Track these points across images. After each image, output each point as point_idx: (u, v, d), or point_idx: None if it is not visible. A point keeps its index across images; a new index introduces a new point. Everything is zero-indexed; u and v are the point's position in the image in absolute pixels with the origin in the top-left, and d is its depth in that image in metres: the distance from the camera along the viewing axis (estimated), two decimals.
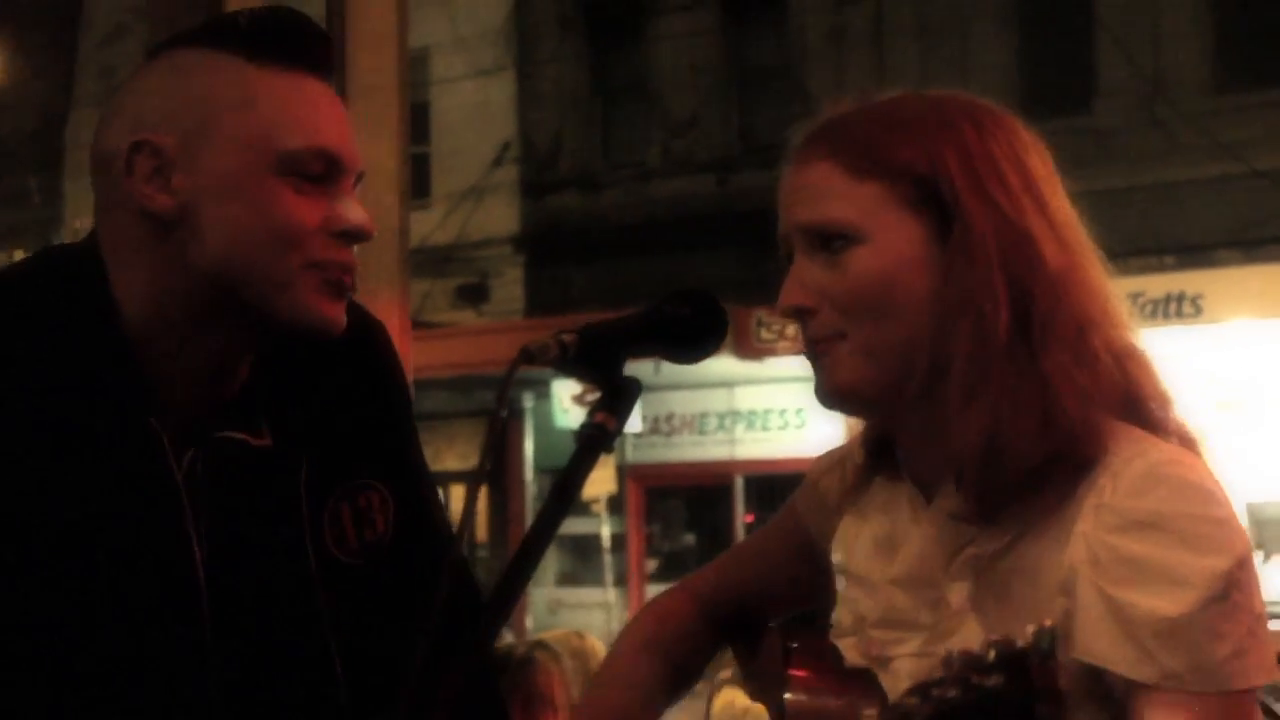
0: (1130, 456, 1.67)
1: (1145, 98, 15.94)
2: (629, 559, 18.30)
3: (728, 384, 16.93)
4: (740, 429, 17.90)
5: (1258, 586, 1.63)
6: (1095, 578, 1.63)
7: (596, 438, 1.68)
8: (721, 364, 16.12)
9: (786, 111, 18.15)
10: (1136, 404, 1.74)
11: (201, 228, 1.80)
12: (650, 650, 2.11)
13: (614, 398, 1.71)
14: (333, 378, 1.94)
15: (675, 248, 17.29)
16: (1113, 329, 1.75)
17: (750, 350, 15.60)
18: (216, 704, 1.85)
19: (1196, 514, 1.61)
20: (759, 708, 2.07)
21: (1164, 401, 1.76)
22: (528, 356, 1.65)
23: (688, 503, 19.10)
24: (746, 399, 17.20)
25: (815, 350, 1.81)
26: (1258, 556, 14.63)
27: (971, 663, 1.27)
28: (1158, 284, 14.14)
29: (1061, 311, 1.72)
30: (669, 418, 18.18)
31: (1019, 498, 1.70)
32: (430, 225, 19.15)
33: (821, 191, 1.80)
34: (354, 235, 1.85)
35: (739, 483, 18.23)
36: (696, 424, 18.21)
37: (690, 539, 18.97)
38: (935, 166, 1.76)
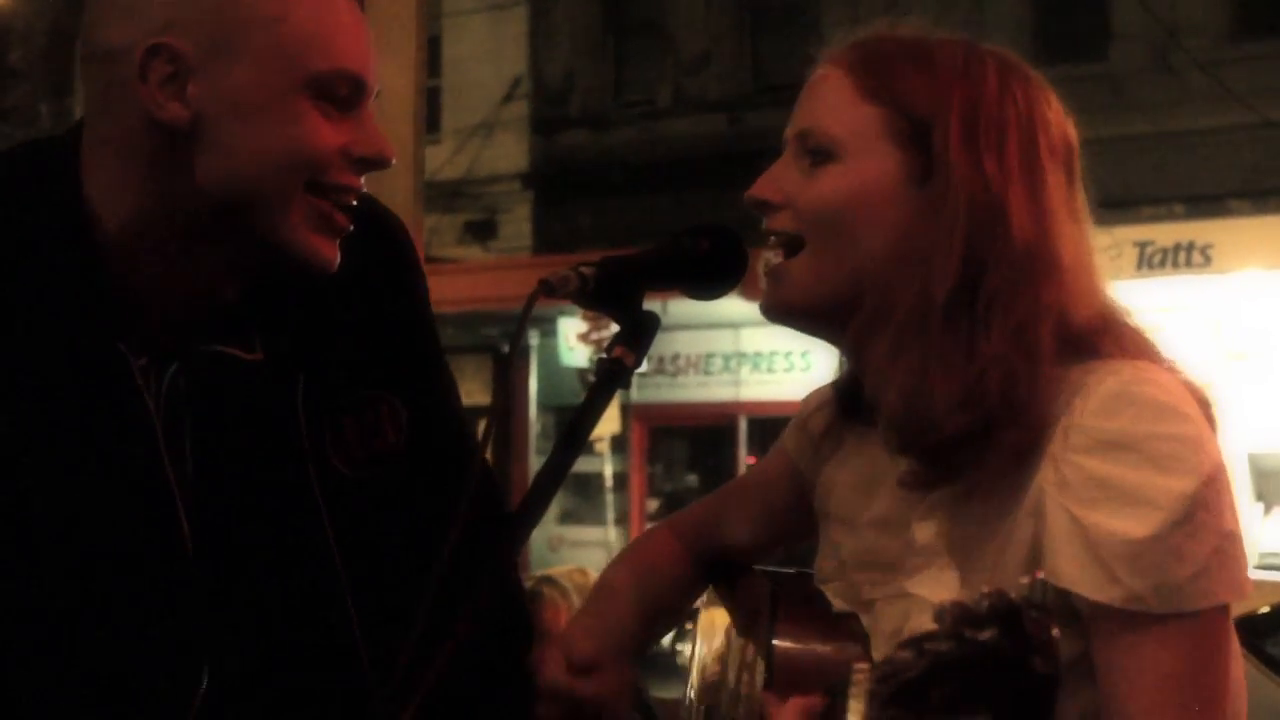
0: (1102, 376, 1.66)
1: (1160, 45, 15.88)
2: (631, 498, 18.38)
3: (733, 325, 16.96)
4: (745, 370, 17.89)
5: (1229, 503, 1.62)
6: (1063, 499, 1.63)
7: (615, 372, 1.68)
8: (728, 305, 16.50)
9: (799, 51, 17.93)
10: (1101, 354, 1.71)
11: (214, 142, 1.73)
12: (636, 583, 2.10)
13: (632, 332, 1.71)
14: (339, 280, 1.84)
15: (685, 187, 17.23)
16: (1078, 313, 1.72)
17: (757, 292, 15.94)
18: (210, 620, 1.81)
19: (1165, 433, 1.61)
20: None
21: (1140, 353, 1.72)
22: (547, 288, 1.64)
23: (691, 443, 19.17)
24: (752, 341, 17.17)
25: (768, 257, 1.82)
26: (1258, 509, 14.73)
27: (964, 616, 1.26)
28: (1167, 233, 14.14)
29: (1012, 293, 1.70)
30: (674, 358, 18.19)
31: (965, 456, 1.70)
32: (439, 160, 19.12)
33: (824, 101, 1.81)
34: (374, 162, 1.81)
35: (742, 424, 18.25)
36: (702, 364, 18.19)
37: (693, 479, 18.95)
38: (936, 109, 1.75)
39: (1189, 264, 14.15)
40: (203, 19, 1.72)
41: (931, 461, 1.72)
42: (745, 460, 18.11)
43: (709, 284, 1.80)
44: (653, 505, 18.50)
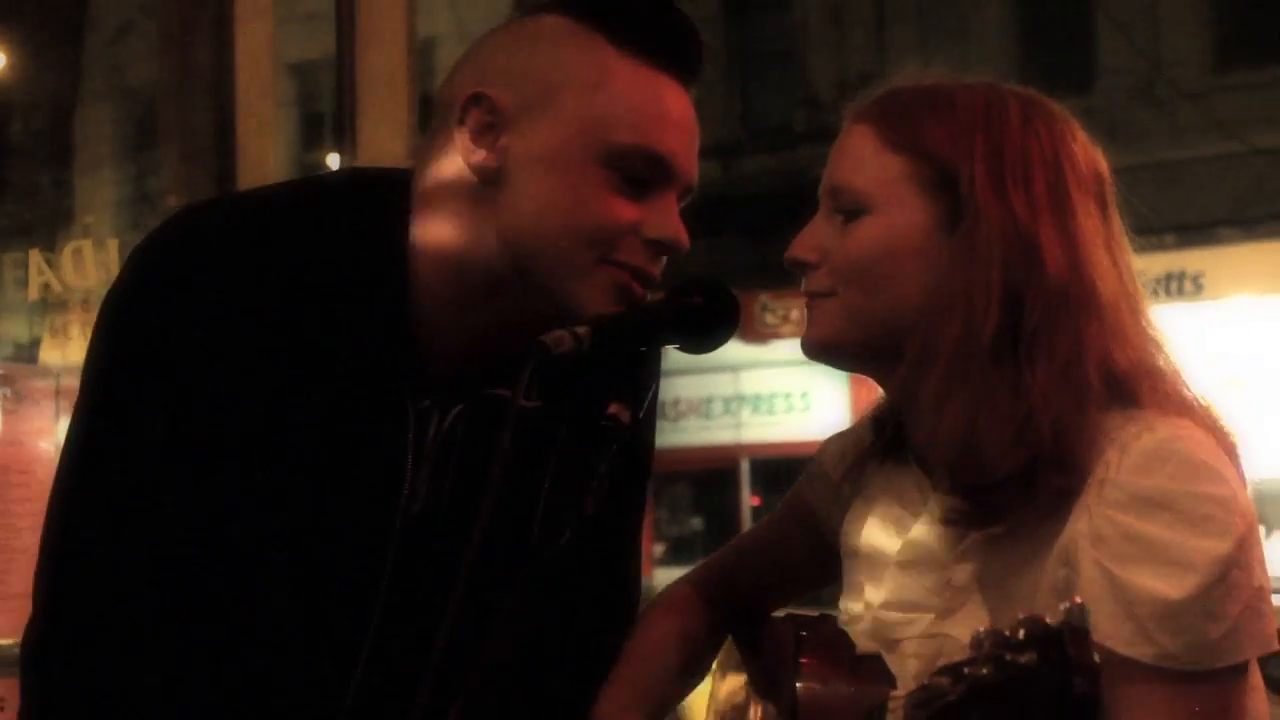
0: (1139, 431, 1.65)
1: (1145, 78, 15.96)
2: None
3: (733, 368, 17.00)
4: (746, 413, 17.94)
5: (1260, 558, 1.63)
6: (1097, 554, 1.62)
7: (612, 429, 1.72)
8: (727, 348, 16.63)
9: (789, 97, 18.19)
10: (1140, 405, 1.70)
11: (514, 195, 1.75)
12: (665, 648, 2.09)
13: (628, 389, 1.76)
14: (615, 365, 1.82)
15: None
16: (1117, 350, 1.72)
17: (755, 334, 15.61)
18: (380, 638, 1.82)
19: (1201, 493, 1.60)
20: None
21: (1179, 408, 1.71)
22: (542, 349, 1.67)
23: (694, 486, 19.03)
24: (751, 383, 17.25)
25: (809, 303, 1.82)
26: (1260, 531, 14.79)
27: (1002, 641, 1.25)
28: (1158, 263, 14.10)
29: (1054, 329, 1.70)
30: (675, 403, 18.14)
31: (1011, 496, 1.69)
32: None
33: (850, 156, 1.82)
34: (666, 246, 1.80)
35: (744, 466, 18.26)
36: (702, 408, 18.20)
37: (697, 523, 18.98)
38: (960, 155, 1.75)
39: (1181, 293, 14.26)
40: (525, 74, 1.76)
41: (981, 501, 1.71)
42: (749, 501, 18.21)
43: (703, 337, 1.81)
44: (659, 550, 18.39)
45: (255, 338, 1.75)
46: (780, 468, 16.76)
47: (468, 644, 1.71)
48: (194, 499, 1.74)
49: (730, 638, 2.16)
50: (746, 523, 18.11)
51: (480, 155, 1.76)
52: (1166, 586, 1.58)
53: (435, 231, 1.80)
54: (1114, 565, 1.61)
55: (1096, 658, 1.24)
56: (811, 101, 17.37)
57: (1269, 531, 14.61)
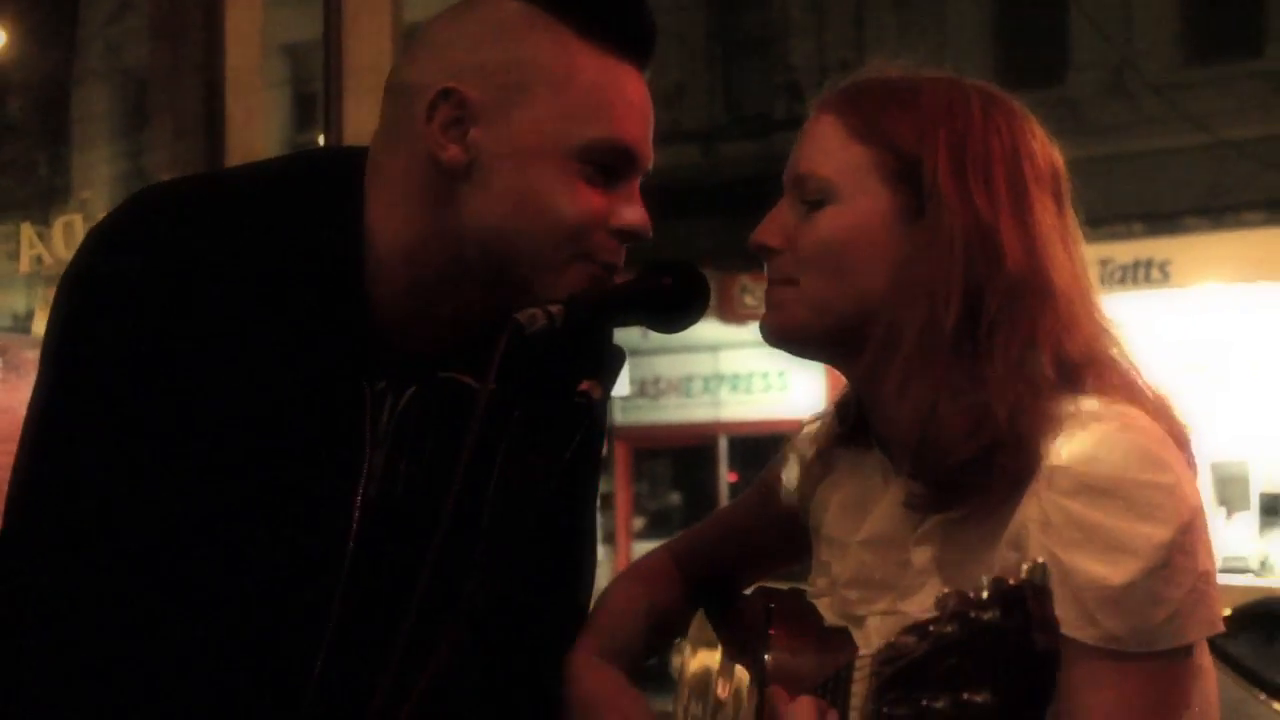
0: (1086, 420, 1.67)
1: (1116, 70, 15.98)
2: (616, 517, 18.24)
3: (712, 348, 17.04)
4: (725, 391, 17.99)
5: (1205, 543, 1.64)
6: (1045, 539, 1.64)
7: (584, 406, 1.75)
8: (706, 329, 16.32)
9: (769, 82, 18.15)
10: (1089, 395, 1.71)
11: (485, 189, 1.74)
12: (634, 608, 2.11)
13: (600, 367, 1.78)
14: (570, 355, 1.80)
15: (662, 215, 17.14)
16: (1069, 341, 1.73)
17: (734, 315, 15.52)
18: (342, 620, 1.80)
19: (1146, 480, 1.62)
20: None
21: (1128, 394, 1.72)
22: (517, 327, 1.68)
23: (674, 462, 19.16)
24: (730, 362, 17.30)
25: (770, 290, 1.84)
26: (1220, 514, 14.95)
27: (966, 600, 1.25)
28: (1126, 250, 14.35)
29: (1011, 319, 1.71)
30: (656, 381, 18.24)
31: (969, 480, 1.70)
32: None
33: (816, 145, 1.82)
34: (633, 235, 1.80)
35: (723, 443, 18.33)
36: (682, 387, 18.29)
37: (676, 498, 19.04)
38: (923, 145, 1.76)
39: (1148, 280, 14.45)
40: (494, 70, 1.75)
41: (940, 486, 1.73)
42: (727, 477, 18.27)
43: (672, 318, 1.82)
44: (639, 523, 18.55)
45: (209, 320, 1.73)
46: (757, 445, 16.88)
47: (432, 623, 1.69)
48: (149, 480, 1.72)
49: (701, 612, 2.18)
50: (724, 498, 18.15)
51: (451, 151, 1.75)
52: (1109, 571, 1.60)
53: (393, 217, 1.79)
54: (1060, 550, 1.62)
55: (1056, 612, 1.24)
56: (791, 89, 17.34)
57: (1230, 513, 14.88)
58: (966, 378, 1.71)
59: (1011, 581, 1.24)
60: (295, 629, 1.79)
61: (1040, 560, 1.26)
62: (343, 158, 1.86)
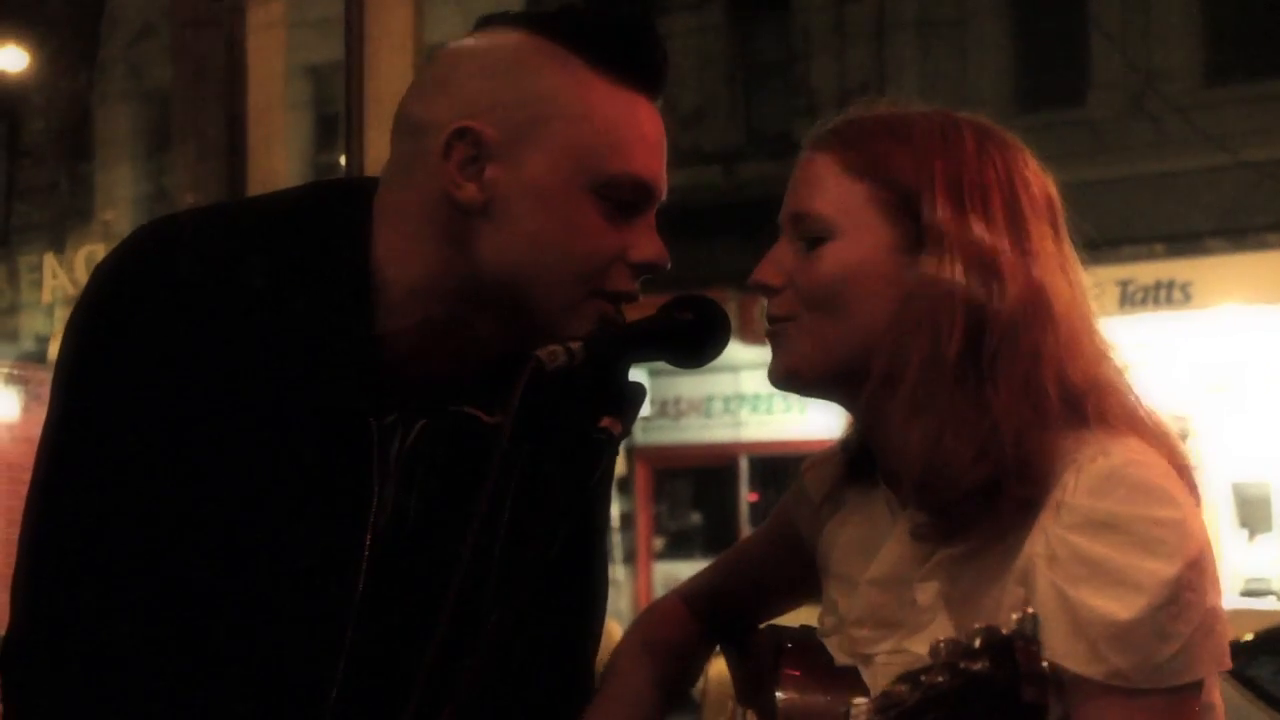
0: (1094, 454, 1.67)
1: (1137, 91, 15.91)
2: (637, 537, 18.34)
3: (733, 368, 16.83)
4: (745, 412, 17.97)
5: (1213, 579, 1.65)
6: (1052, 574, 1.63)
7: (603, 442, 1.73)
8: (727, 349, 16.45)
9: (791, 104, 18.10)
10: (1091, 425, 1.72)
11: (502, 227, 1.74)
12: (651, 657, 2.09)
13: (620, 402, 1.75)
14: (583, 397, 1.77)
15: (683, 236, 16.91)
16: (1071, 365, 1.74)
17: (755, 336, 15.78)
18: (355, 652, 1.79)
19: (1153, 516, 1.62)
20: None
21: (1129, 424, 1.74)
22: (538, 364, 1.67)
23: (694, 483, 19.16)
24: (751, 383, 17.16)
25: (772, 329, 1.85)
26: (1242, 535, 14.95)
27: (958, 650, 1.27)
28: (1148, 271, 14.31)
29: (1014, 346, 1.72)
30: (676, 401, 18.23)
31: (975, 510, 1.71)
32: None
33: (813, 183, 1.82)
34: (651, 268, 1.80)
35: (743, 463, 18.35)
36: (703, 407, 18.27)
37: (696, 518, 19.05)
38: (920, 180, 1.77)
39: (1169, 301, 14.40)
40: (511, 108, 1.73)
41: (946, 515, 1.73)
42: (747, 497, 18.29)
43: (693, 354, 1.82)
44: (659, 544, 18.59)
45: (214, 355, 1.73)
46: (777, 465, 16.94)
47: (448, 658, 1.67)
48: (161, 514, 1.72)
49: (721, 648, 2.18)
50: (744, 518, 18.22)
51: (467, 189, 1.74)
52: (1116, 607, 1.59)
53: (405, 253, 1.78)
54: (1067, 585, 1.62)
55: (1046, 666, 1.26)
56: (812, 110, 17.32)
57: (1252, 535, 14.84)
58: (971, 407, 1.71)
59: (1004, 631, 1.26)
60: (308, 661, 1.79)
61: (1031, 611, 1.28)
62: (351, 191, 1.85)
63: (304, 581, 1.77)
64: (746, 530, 18.28)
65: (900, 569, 1.82)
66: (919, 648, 1.73)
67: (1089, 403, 1.73)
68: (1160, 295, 14.41)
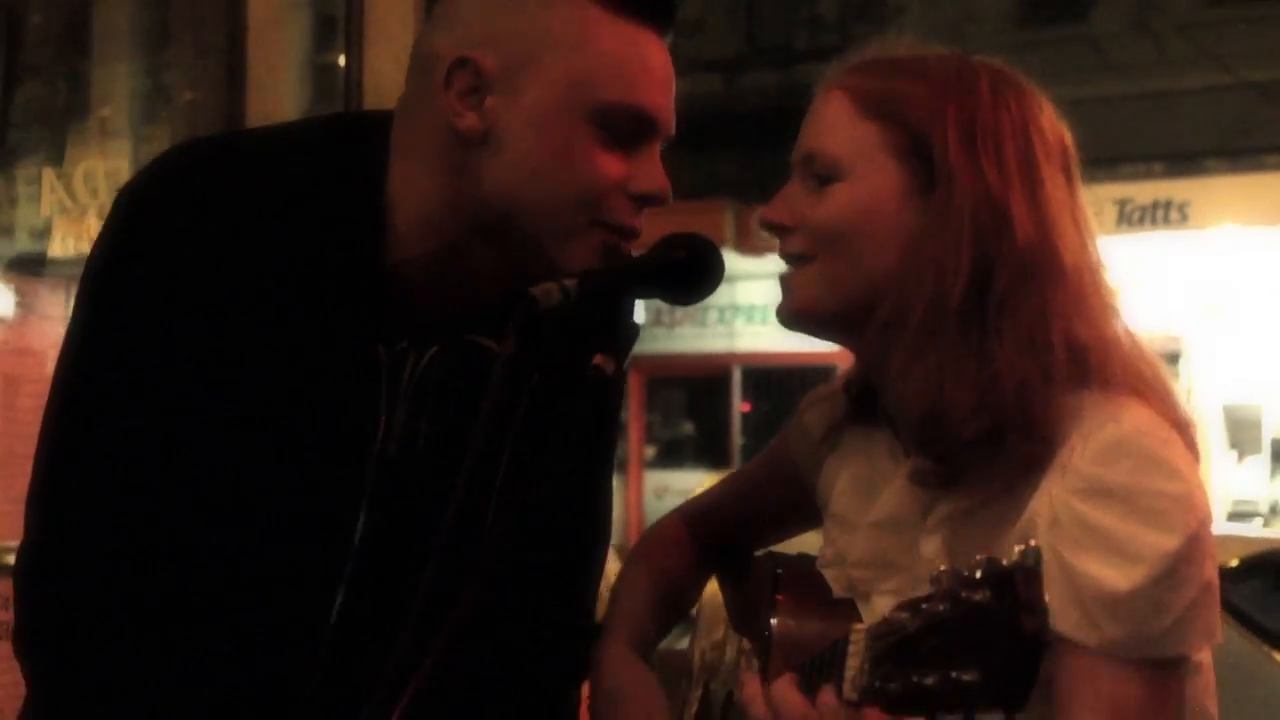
0: (1104, 420, 1.67)
1: (1139, 8, 15.80)
2: (629, 446, 18.22)
3: (728, 279, 16.26)
4: (739, 322, 17.97)
5: (1210, 553, 1.65)
6: (1052, 538, 1.64)
7: (596, 380, 1.73)
8: (724, 259, 16.53)
9: (792, 14, 18.10)
10: (1094, 385, 1.72)
11: (501, 154, 1.75)
12: (651, 580, 2.14)
13: (613, 340, 1.76)
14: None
15: (681, 146, 17.03)
16: (1079, 320, 1.73)
17: (751, 247, 15.82)
18: (353, 585, 1.83)
19: (1157, 489, 1.63)
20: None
21: (1134, 383, 1.73)
22: (531, 301, 1.68)
23: (687, 392, 19.18)
24: (746, 294, 17.14)
25: (782, 272, 1.85)
26: (1231, 457, 15.02)
27: (959, 579, 1.27)
28: (1146, 191, 14.30)
29: (1021, 296, 1.72)
30: (671, 310, 18.02)
31: (977, 460, 1.72)
32: None
33: (826, 123, 1.82)
34: (651, 199, 1.81)
35: (736, 374, 18.37)
36: (698, 317, 18.16)
37: (689, 427, 19.11)
38: (933, 122, 1.76)
39: (1167, 221, 14.37)
40: (510, 38, 1.76)
41: (947, 462, 1.74)
42: (740, 408, 18.33)
43: (686, 292, 1.83)
44: (650, 452, 18.62)
45: (235, 278, 1.77)
46: (771, 376, 17.00)
47: (447, 586, 1.68)
48: (175, 428, 1.77)
49: (716, 575, 2.23)
50: (737, 428, 18.27)
51: (468, 119, 1.76)
52: (1114, 576, 1.60)
53: (414, 183, 1.81)
54: (1066, 551, 1.63)
55: (1046, 597, 1.25)
56: (814, 21, 17.30)
57: (1241, 457, 14.91)
58: (974, 355, 1.71)
59: (1005, 562, 1.26)
60: (311, 580, 1.83)
61: (1034, 544, 1.28)
62: (368, 124, 1.88)
63: (309, 500, 1.81)
64: (738, 440, 18.37)
65: (902, 512, 1.83)
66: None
67: (1094, 360, 1.73)
68: (1158, 215, 14.39)
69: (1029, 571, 1.25)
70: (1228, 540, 6.68)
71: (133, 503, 1.78)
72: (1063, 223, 1.77)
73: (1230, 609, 5.41)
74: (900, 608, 1.32)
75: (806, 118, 1.86)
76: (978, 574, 1.26)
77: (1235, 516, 14.10)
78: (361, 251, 1.80)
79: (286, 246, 1.79)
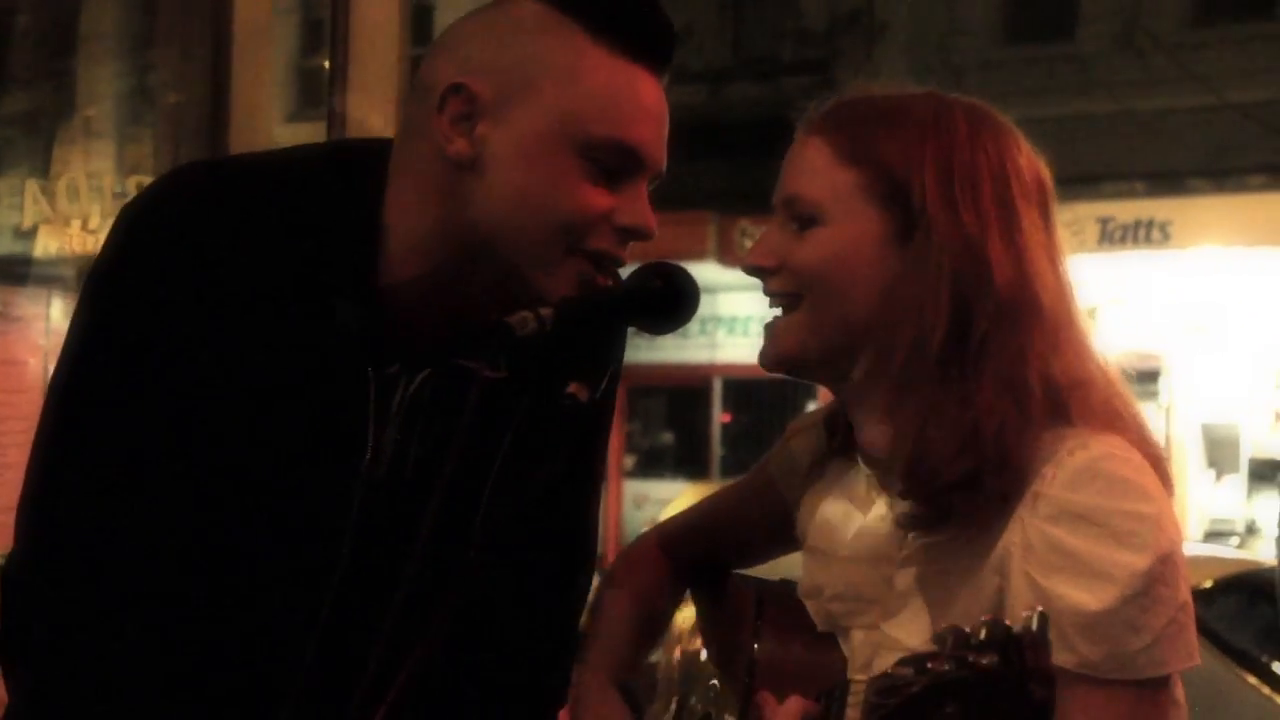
0: (1073, 448, 1.69)
1: (1125, 28, 15.84)
2: (609, 455, 18.08)
3: (710, 290, 16.18)
4: (721, 333, 18.00)
5: (1184, 575, 1.66)
6: (1026, 564, 1.66)
7: (570, 408, 1.75)
8: (705, 271, 16.03)
9: (779, 25, 18.14)
10: (1073, 423, 1.73)
11: (488, 183, 1.77)
12: (630, 620, 2.16)
13: (588, 369, 1.78)
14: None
15: (670, 156, 17.16)
16: (1057, 360, 1.75)
17: (734, 258, 15.67)
18: (338, 603, 1.84)
19: (1127, 510, 1.65)
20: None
21: (1112, 421, 1.75)
22: (507, 330, 1.69)
23: (668, 402, 19.21)
24: (728, 305, 17.25)
25: (768, 323, 1.87)
26: (1209, 475, 15.05)
27: (964, 640, 1.27)
28: (1128, 210, 14.28)
29: (1000, 338, 1.73)
30: None
31: (956, 499, 1.72)
32: None
33: (806, 167, 1.84)
34: (635, 233, 1.81)
35: (717, 384, 18.43)
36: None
37: (668, 437, 19.18)
38: (911, 167, 1.77)
39: (1149, 240, 14.34)
40: (505, 65, 1.78)
41: (932, 505, 1.74)
42: (720, 419, 18.38)
43: (662, 320, 1.83)
44: (630, 461, 18.64)
45: (229, 302, 1.79)
46: (751, 388, 17.01)
47: (428, 605, 1.70)
48: (167, 443, 1.79)
49: (691, 594, 2.23)
50: (717, 439, 18.29)
51: (458, 144, 1.78)
52: (1087, 597, 1.62)
53: (408, 209, 1.83)
54: (1040, 575, 1.65)
55: (1051, 668, 1.26)
56: (800, 33, 17.33)
57: (1219, 476, 14.96)
58: (954, 399, 1.72)
59: (1010, 624, 1.26)
60: (297, 593, 1.84)
61: (1040, 610, 1.29)
62: (368, 150, 1.90)
63: (296, 518, 1.83)
64: (718, 451, 18.37)
65: (878, 547, 1.83)
66: (895, 632, 1.79)
67: (1072, 399, 1.74)
68: (1140, 234, 14.38)
69: (1036, 638, 1.26)
70: (1201, 561, 6.68)
71: (124, 513, 1.80)
72: (1040, 263, 1.78)
73: (1203, 630, 5.39)
74: (903, 663, 1.32)
75: (786, 161, 1.87)
76: (982, 634, 1.27)
77: (1212, 535, 14.14)
78: (355, 275, 1.82)
79: (282, 268, 1.81)
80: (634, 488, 18.12)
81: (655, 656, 2.32)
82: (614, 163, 1.79)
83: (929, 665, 1.29)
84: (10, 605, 1.84)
